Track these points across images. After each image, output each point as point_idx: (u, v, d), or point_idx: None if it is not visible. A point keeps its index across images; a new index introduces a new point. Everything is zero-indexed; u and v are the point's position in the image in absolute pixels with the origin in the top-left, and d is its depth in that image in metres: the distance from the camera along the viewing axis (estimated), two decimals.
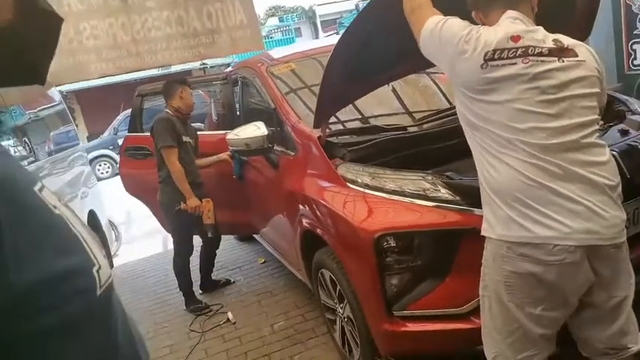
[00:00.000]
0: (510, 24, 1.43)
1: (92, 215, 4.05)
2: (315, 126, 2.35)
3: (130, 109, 4.17)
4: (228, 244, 4.52)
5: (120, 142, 4.52)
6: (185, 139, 3.29)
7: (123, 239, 5.45)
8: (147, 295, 3.96)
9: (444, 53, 1.48)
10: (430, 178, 1.94)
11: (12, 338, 0.45)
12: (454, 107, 2.53)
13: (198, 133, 3.60)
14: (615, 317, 1.45)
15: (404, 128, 2.48)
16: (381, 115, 2.77)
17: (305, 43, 9.79)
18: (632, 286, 1.47)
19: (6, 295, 0.43)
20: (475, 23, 1.51)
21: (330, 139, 2.35)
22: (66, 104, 4.84)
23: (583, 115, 1.37)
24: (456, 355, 1.94)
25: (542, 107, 1.35)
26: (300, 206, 2.46)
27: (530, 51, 1.37)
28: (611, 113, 2.27)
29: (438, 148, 2.22)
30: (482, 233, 1.47)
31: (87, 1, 4.33)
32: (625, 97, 2.58)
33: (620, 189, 1.40)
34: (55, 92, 4.41)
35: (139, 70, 5.13)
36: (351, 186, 2.09)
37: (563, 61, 1.38)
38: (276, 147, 2.78)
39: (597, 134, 1.41)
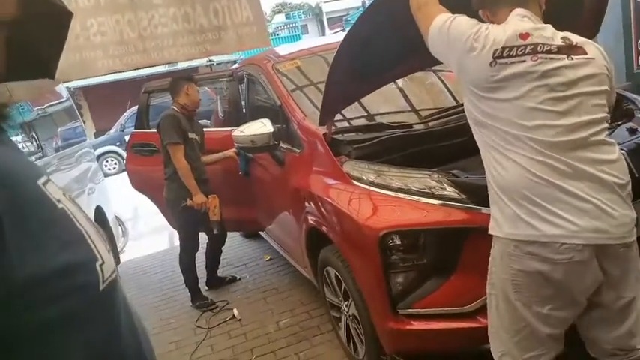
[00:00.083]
0: (519, 22, 1.43)
1: (99, 211, 4.07)
2: (321, 123, 2.34)
3: (137, 106, 4.19)
4: (234, 241, 4.53)
5: (127, 138, 4.54)
6: (191, 135, 3.29)
7: (130, 235, 5.48)
8: (153, 291, 3.98)
9: (453, 51, 1.47)
10: (436, 176, 1.94)
11: (14, 330, 0.45)
12: (460, 105, 2.53)
13: (204, 129, 3.61)
14: (624, 318, 1.44)
15: (410, 126, 2.47)
16: (387, 113, 2.76)
17: (311, 40, 9.78)
18: None
19: (7, 287, 0.44)
20: (482, 21, 1.51)
21: (335, 136, 2.34)
22: (73, 101, 4.87)
23: (592, 113, 1.37)
24: (462, 353, 1.93)
25: (551, 105, 1.35)
26: (306, 204, 2.46)
27: (539, 48, 1.36)
28: (620, 112, 2.25)
29: (444, 146, 2.21)
30: (490, 232, 1.46)
31: None
32: (634, 95, 2.55)
33: (629, 188, 1.39)
34: (62, 89, 4.44)
35: (146, 67, 5.14)
36: (357, 184, 2.08)
37: (572, 59, 1.37)
38: (281, 144, 2.78)
39: (606, 132, 1.40)
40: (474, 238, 1.77)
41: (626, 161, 1.46)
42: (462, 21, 1.47)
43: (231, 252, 4.32)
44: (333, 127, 2.39)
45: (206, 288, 3.69)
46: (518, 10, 1.45)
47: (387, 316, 1.93)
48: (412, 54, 2.05)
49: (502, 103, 1.38)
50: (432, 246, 1.87)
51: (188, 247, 3.48)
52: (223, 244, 3.73)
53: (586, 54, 1.40)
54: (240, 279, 3.81)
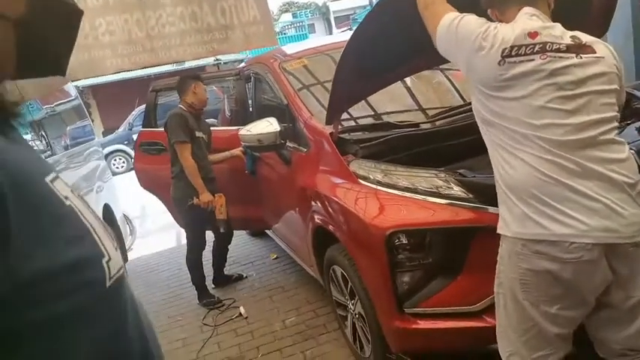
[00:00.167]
0: (527, 20, 1.42)
1: (107, 209, 4.10)
2: (328, 122, 2.34)
3: (145, 105, 4.21)
4: (240, 239, 4.55)
5: (134, 137, 4.57)
6: (198, 134, 3.31)
7: (137, 233, 5.51)
8: (160, 288, 4.00)
9: (461, 50, 1.47)
10: (443, 175, 1.93)
11: (20, 326, 0.45)
12: (468, 104, 2.51)
13: (211, 128, 3.62)
14: (633, 318, 1.43)
15: (417, 125, 2.47)
16: (393, 112, 2.75)
17: (318, 39, 9.77)
18: None
19: (13, 282, 0.44)
20: (490, 20, 1.50)
21: (342, 135, 2.34)
22: (82, 99, 4.90)
23: (601, 112, 1.36)
24: (469, 353, 1.93)
25: (560, 103, 1.34)
26: (312, 203, 2.46)
27: (547, 47, 1.36)
28: (630, 110, 2.23)
29: (451, 145, 2.20)
30: (498, 231, 1.46)
31: None
32: None
33: (639, 187, 1.38)
34: (71, 87, 4.47)
35: (154, 66, 5.18)
36: (363, 183, 2.08)
37: (581, 58, 1.37)
38: (288, 143, 2.78)
39: (616, 131, 1.40)
40: (481, 238, 1.76)
41: (636, 160, 1.44)
42: (471, 20, 1.47)
43: (237, 250, 4.34)
44: (340, 126, 2.39)
45: (213, 286, 3.70)
46: (526, 9, 1.45)
47: (393, 315, 1.92)
48: (419, 53, 2.04)
49: (510, 102, 1.38)
50: (438, 245, 1.87)
51: (195, 246, 3.50)
52: (230, 243, 3.75)
53: (595, 53, 1.39)
54: (246, 277, 3.82)
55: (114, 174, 6.73)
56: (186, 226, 3.56)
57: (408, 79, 2.83)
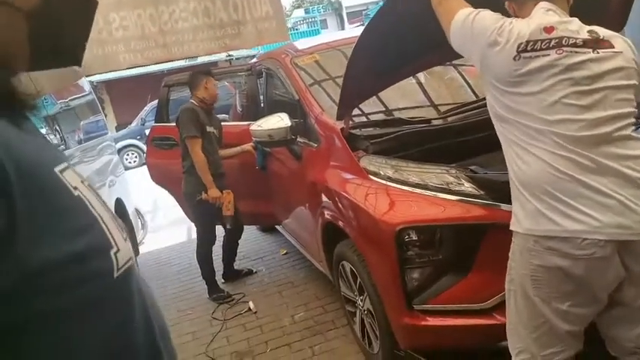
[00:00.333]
0: (543, 15, 1.41)
1: (119, 203, 4.14)
2: (339, 118, 2.34)
3: (157, 100, 4.24)
4: (250, 234, 4.57)
5: (147, 132, 4.61)
6: (209, 129, 3.32)
7: (149, 227, 5.56)
8: (171, 282, 4.04)
9: (476, 45, 1.46)
10: (454, 171, 1.92)
11: (28, 316, 0.45)
12: (480, 100, 2.49)
13: (222, 123, 3.64)
14: None
15: (428, 121, 2.45)
16: (405, 108, 2.74)
17: (329, 35, 9.74)
18: None
19: (21, 271, 0.44)
20: (505, 16, 1.48)
21: (353, 131, 2.33)
22: (96, 95, 4.95)
23: (618, 108, 1.34)
24: (478, 351, 1.92)
25: (575, 99, 1.33)
26: (322, 198, 2.46)
27: (564, 42, 1.35)
28: None
29: (463, 141, 2.19)
30: (511, 227, 1.45)
31: None
32: None
33: None
34: (85, 82, 4.51)
35: (166, 62, 5.20)
36: (374, 178, 2.07)
37: (598, 53, 1.35)
38: (299, 138, 2.78)
39: (632, 127, 1.37)
40: (492, 235, 1.75)
41: None
42: (486, 15, 1.46)
43: (247, 245, 4.36)
44: (351, 122, 2.38)
45: (222, 281, 3.73)
46: (543, 4, 1.43)
47: (402, 312, 1.92)
48: (431, 48, 2.03)
49: (525, 97, 1.37)
50: (448, 242, 1.86)
51: (205, 240, 3.52)
52: (240, 238, 3.76)
53: (613, 47, 1.37)
54: (256, 272, 3.84)
55: (126, 168, 6.79)
56: (196, 221, 3.59)
57: (420, 75, 2.81)
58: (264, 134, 2.82)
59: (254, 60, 4.19)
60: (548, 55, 1.34)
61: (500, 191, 1.70)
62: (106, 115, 6.15)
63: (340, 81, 2.29)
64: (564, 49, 1.34)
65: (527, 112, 1.36)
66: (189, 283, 3.92)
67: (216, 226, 3.57)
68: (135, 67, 5.02)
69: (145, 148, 6.92)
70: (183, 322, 3.28)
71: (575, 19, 1.42)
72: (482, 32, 1.43)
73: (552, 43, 1.35)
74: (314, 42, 3.72)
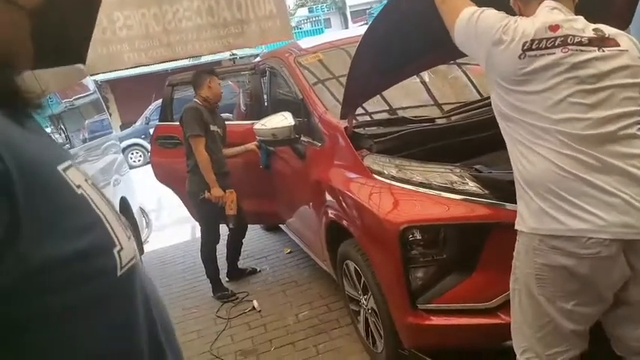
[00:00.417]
0: (548, 13, 1.41)
1: (124, 202, 4.15)
2: (342, 117, 2.34)
3: (161, 99, 4.25)
4: (254, 233, 4.57)
5: (151, 131, 4.62)
6: (213, 128, 3.33)
7: (153, 226, 5.58)
8: (176, 281, 4.05)
9: (480, 44, 1.45)
10: (458, 170, 1.91)
11: (30, 314, 0.45)
12: (484, 99, 2.48)
13: (226, 122, 3.64)
14: None
15: (432, 120, 2.45)
16: (409, 107, 2.73)
17: (333, 34, 9.74)
18: None
19: (23, 270, 0.44)
20: (509, 14, 1.48)
21: (356, 130, 2.33)
22: (100, 94, 4.96)
23: (623, 106, 1.33)
24: (482, 350, 1.91)
25: (581, 97, 1.32)
26: (326, 197, 2.46)
27: (569, 40, 1.34)
28: None
29: (467, 140, 2.18)
30: (516, 227, 1.45)
31: None
32: None
33: None
34: (89, 82, 4.53)
35: (170, 61, 5.21)
36: (378, 177, 2.07)
37: (604, 51, 1.34)
38: (302, 137, 2.78)
39: (638, 126, 1.36)
40: (497, 234, 1.75)
41: None
42: (490, 14, 1.46)
43: (252, 244, 4.36)
44: (355, 121, 2.38)
45: (227, 279, 3.73)
46: (548, 2, 1.43)
47: (406, 311, 1.92)
48: (435, 47, 2.02)
49: (530, 96, 1.36)
50: (452, 241, 1.85)
51: (209, 239, 3.53)
52: (244, 237, 3.77)
53: (619, 46, 1.36)
54: (260, 271, 3.85)
55: (131, 167, 6.81)
56: (200, 220, 3.60)
57: (424, 74, 2.80)
58: (267, 133, 2.83)
59: (258, 59, 4.19)
60: (554, 53, 1.34)
61: (504, 190, 1.70)
62: (110, 114, 6.17)
63: (344, 80, 2.29)
64: (570, 47, 1.34)
65: (532, 110, 1.36)
66: (193, 282, 3.93)
67: (221, 225, 3.58)
68: (139, 66, 5.04)
69: (149, 147, 6.94)
70: (188, 321, 3.29)
71: (581, 18, 1.41)
72: (487, 31, 1.43)
73: (557, 41, 1.34)
74: (318, 41, 3.72)
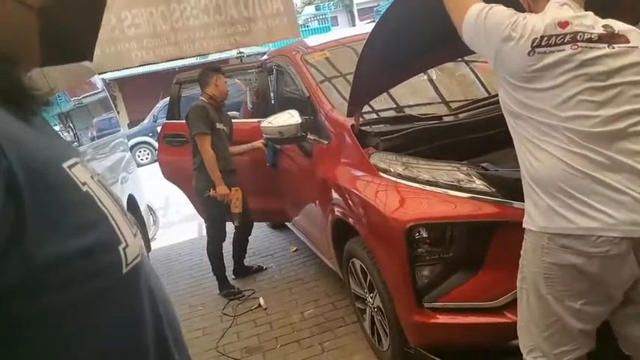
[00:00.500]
0: (557, 10, 1.39)
1: (131, 200, 4.18)
2: (349, 115, 2.33)
3: (169, 97, 4.27)
4: (261, 231, 4.58)
5: (159, 129, 4.64)
6: (219, 126, 3.33)
7: (160, 224, 5.61)
8: (183, 278, 4.07)
9: (489, 41, 1.44)
10: (465, 168, 1.90)
11: (35, 312, 0.45)
12: (492, 97, 2.47)
13: (233, 120, 3.65)
14: None
15: (439, 118, 2.43)
16: (415, 105, 2.72)
17: (340, 31, 9.70)
18: None
19: (27, 266, 0.44)
20: (519, 11, 1.47)
21: (363, 127, 2.33)
22: (108, 92, 4.99)
23: (633, 103, 1.32)
24: (489, 349, 1.90)
25: (590, 95, 1.31)
26: (333, 195, 2.46)
27: (578, 37, 1.32)
28: None
29: (474, 138, 2.17)
30: (524, 225, 1.44)
31: None
32: None
33: None
34: (97, 80, 4.55)
35: (178, 59, 5.22)
36: (384, 175, 2.07)
37: (614, 48, 1.32)
38: (309, 135, 2.78)
39: None
40: (504, 232, 1.74)
41: None
42: (499, 10, 1.44)
43: (258, 242, 4.38)
44: (361, 119, 2.37)
45: (233, 277, 3.75)
46: None
47: (412, 309, 1.91)
48: (442, 44, 2.01)
49: (539, 93, 1.35)
50: (459, 239, 1.85)
51: (215, 236, 3.54)
52: (250, 234, 3.78)
53: (629, 42, 1.34)
54: (266, 269, 3.86)
55: (138, 165, 6.85)
56: (206, 217, 3.61)
57: (431, 72, 2.79)
58: (274, 131, 2.83)
59: (265, 57, 4.19)
60: (563, 50, 1.32)
61: (511, 188, 1.69)
62: (118, 113, 6.21)
63: (351, 78, 2.28)
64: (579, 44, 1.32)
65: (541, 108, 1.35)
66: (200, 279, 3.95)
67: (227, 223, 3.59)
68: (147, 64, 5.05)
69: (156, 145, 6.98)
70: (194, 318, 3.31)
71: (590, 14, 1.40)
72: (496, 27, 1.41)
73: (567, 38, 1.33)
74: (324, 39, 3.72)
